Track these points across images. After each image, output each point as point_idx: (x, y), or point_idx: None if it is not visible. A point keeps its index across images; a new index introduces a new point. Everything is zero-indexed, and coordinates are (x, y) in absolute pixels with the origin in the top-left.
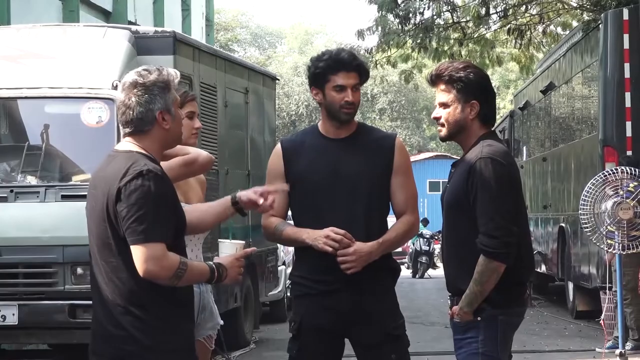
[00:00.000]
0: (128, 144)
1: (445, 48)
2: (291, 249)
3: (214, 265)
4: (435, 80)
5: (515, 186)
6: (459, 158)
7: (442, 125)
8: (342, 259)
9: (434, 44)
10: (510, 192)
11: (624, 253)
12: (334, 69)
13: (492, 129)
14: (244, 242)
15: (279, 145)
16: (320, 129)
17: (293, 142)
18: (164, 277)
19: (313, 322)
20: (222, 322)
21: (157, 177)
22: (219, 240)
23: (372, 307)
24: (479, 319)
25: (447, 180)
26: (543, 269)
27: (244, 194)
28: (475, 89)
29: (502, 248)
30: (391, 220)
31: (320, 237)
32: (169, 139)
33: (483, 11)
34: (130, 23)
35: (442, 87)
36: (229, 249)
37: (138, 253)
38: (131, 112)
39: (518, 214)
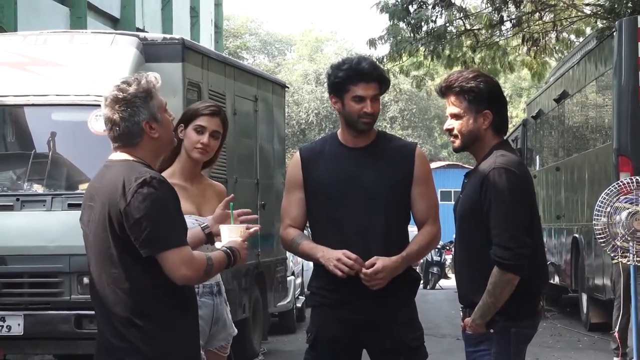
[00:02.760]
0: (122, 154)
1: (458, 55)
2: (300, 259)
3: (228, 250)
4: (445, 91)
5: (529, 196)
6: (471, 168)
7: (455, 136)
8: (366, 278)
9: (447, 52)
10: (523, 202)
11: None
12: (354, 79)
13: (505, 137)
14: (245, 225)
15: (297, 154)
16: (340, 137)
17: (312, 151)
18: (197, 278)
19: (329, 332)
20: (236, 331)
21: (161, 182)
22: (220, 225)
23: (389, 317)
24: (491, 331)
25: (459, 190)
26: (556, 280)
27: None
28: (487, 98)
29: (516, 260)
30: (412, 230)
31: (332, 258)
32: (161, 146)
33: (496, 18)
34: (138, 30)
35: (453, 98)
36: (234, 232)
37: (170, 260)
38: (117, 129)
39: (532, 224)
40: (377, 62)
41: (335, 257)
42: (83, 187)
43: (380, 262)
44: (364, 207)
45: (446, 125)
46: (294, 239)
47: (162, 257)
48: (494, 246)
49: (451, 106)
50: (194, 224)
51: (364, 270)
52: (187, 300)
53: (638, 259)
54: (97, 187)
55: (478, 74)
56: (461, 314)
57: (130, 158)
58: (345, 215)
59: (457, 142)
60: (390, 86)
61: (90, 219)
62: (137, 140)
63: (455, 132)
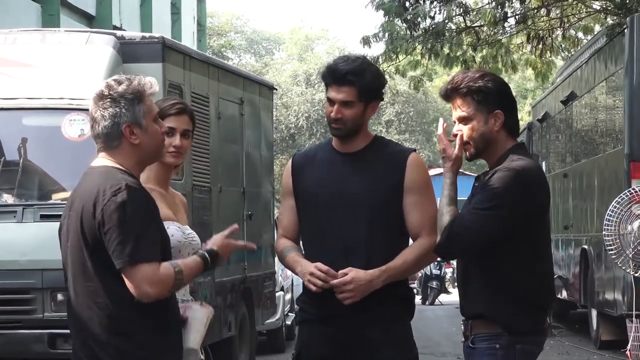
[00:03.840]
0: (103, 160)
1: (458, 54)
2: (290, 273)
3: (205, 254)
4: (450, 94)
5: (537, 207)
6: (474, 175)
7: (467, 143)
8: (338, 289)
9: (446, 50)
10: (511, 216)
11: None
12: (327, 79)
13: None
14: (212, 308)
15: (290, 161)
16: (333, 142)
17: (304, 157)
18: (163, 294)
19: (313, 350)
20: (202, 358)
21: (137, 191)
22: (188, 304)
23: (377, 336)
24: (497, 346)
25: (464, 199)
26: (564, 295)
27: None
28: (497, 97)
29: (446, 252)
30: None
31: (306, 273)
32: (142, 154)
33: (500, 14)
34: (115, 28)
35: (460, 101)
36: (201, 315)
37: (133, 275)
38: (97, 127)
39: (542, 239)
40: (370, 65)
41: (309, 272)
42: (56, 197)
43: (352, 273)
44: (347, 218)
45: (454, 130)
46: (282, 250)
47: (127, 271)
48: (450, 223)
49: (458, 110)
50: (177, 230)
51: (331, 281)
52: (169, 318)
53: None
54: (75, 196)
55: (484, 73)
56: (462, 328)
57: (110, 164)
58: (328, 228)
59: (470, 150)
60: (386, 88)
61: (68, 229)
62: (116, 143)
63: (466, 138)
